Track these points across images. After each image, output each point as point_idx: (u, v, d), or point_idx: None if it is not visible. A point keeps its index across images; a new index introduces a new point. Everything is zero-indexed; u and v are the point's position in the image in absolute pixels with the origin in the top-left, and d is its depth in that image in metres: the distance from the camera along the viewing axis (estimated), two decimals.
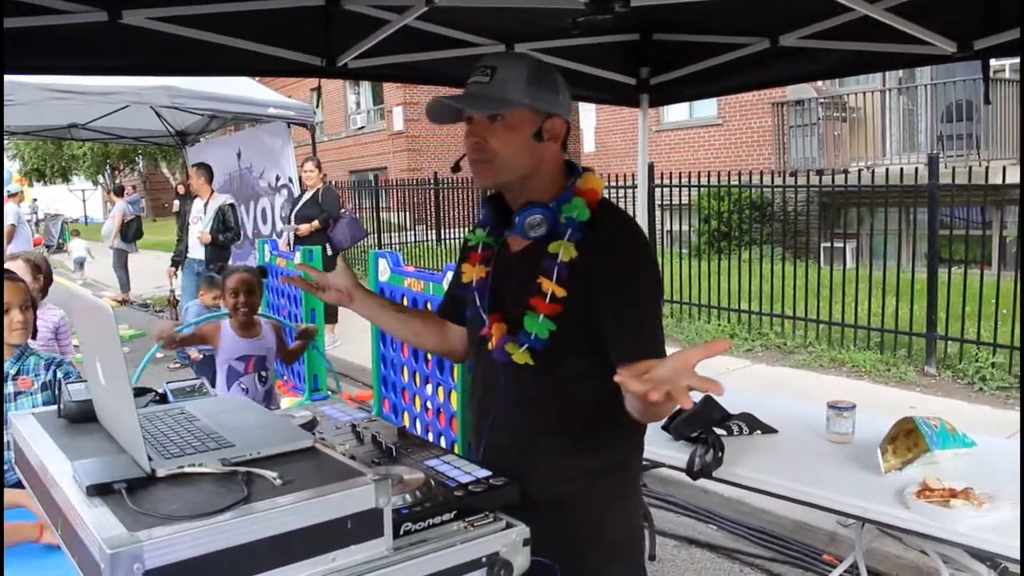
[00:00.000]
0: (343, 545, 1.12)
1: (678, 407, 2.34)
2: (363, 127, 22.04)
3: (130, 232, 11.52)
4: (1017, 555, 1.86)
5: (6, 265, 3.12)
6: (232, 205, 7.25)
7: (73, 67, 2.85)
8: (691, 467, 2.37)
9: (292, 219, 7.47)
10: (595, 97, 3.79)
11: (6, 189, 10.70)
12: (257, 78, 8.35)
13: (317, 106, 14.30)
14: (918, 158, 9.21)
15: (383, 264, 4.16)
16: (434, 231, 13.35)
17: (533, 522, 1.33)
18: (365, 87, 21.74)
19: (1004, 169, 6.78)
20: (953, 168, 6.62)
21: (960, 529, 1.97)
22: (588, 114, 15.24)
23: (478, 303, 1.68)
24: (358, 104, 22.48)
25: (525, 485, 1.42)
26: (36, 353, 2.56)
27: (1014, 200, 8.64)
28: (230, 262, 7.31)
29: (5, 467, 2.09)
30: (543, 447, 1.61)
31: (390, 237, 13.75)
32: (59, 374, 2.48)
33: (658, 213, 8.96)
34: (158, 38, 2.48)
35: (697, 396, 2.69)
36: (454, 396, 3.60)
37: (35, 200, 26.84)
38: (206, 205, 7.15)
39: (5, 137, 9.55)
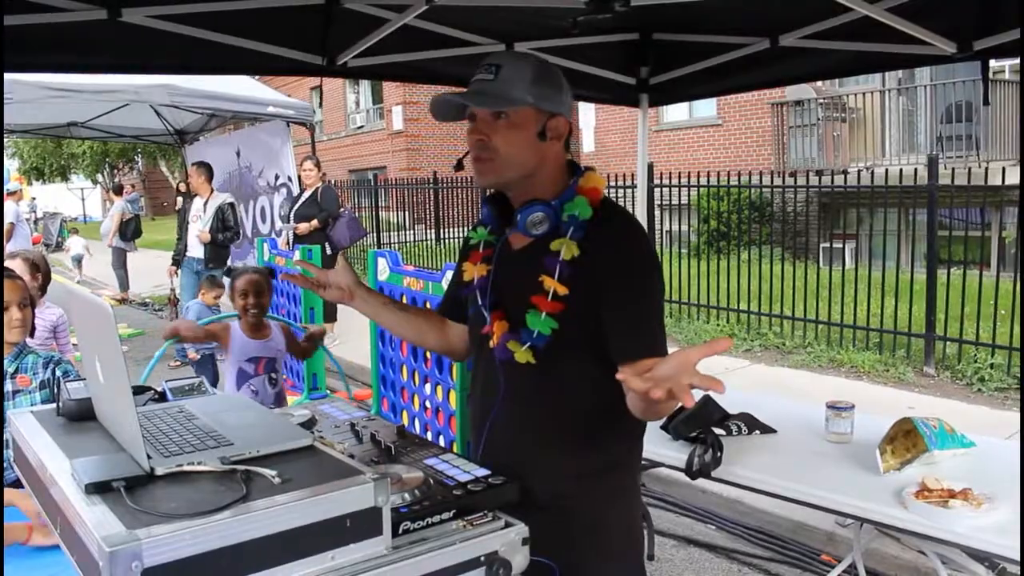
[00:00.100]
0: (342, 544, 1.12)
1: (679, 406, 2.34)
2: (362, 126, 22.04)
3: (129, 231, 11.52)
4: (1015, 555, 1.86)
5: (5, 263, 3.12)
6: (232, 204, 7.25)
7: (72, 65, 2.85)
8: (690, 467, 2.38)
9: (291, 218, 7.47)
10: (595, 97, 3.79)
11: (5, 188, 10.69)
12: (257, 77, 8.36)
13: (319, 105, 14.32)
14: (917, 159, 9.22)
15: (382, 263, 4.15)
16: (433, 231, 13.36)
17: (532, 521, 1.33)
18: (364, 86, 21.74)
19: (1003, 170, 6.78)
20: (952, 169, 6.63)
21: (958, 529, 1.97)
22: (587, 114, 15.25)
23: (480, 301, 1.68)
24: (357, 103, 22.48)
25: (524, 484, 1.42)
26: (34, 351, 2.56)
27: (1013, 201, 8.64)
28: (229, 261, 7.31)
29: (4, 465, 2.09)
30: (543, 445, 1.61)
31: (389, 236, 13.75)
32: (58, 373, 2.48)
33: (657, 213, 8.97)
34: (157, 36, 2.48)
35: (696, 395, 2.70)
36: (453, 395, 3.60)
37: (34, 199, 26.83)
38: (205, 204, 7.14)
39: (4, 135, 9.54)
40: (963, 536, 1.98)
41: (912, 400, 5.28)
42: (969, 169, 8.34)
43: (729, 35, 3.01)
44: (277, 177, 8.47)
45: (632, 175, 7.69)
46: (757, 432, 2.66)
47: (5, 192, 10.39)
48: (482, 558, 1.26)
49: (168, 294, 8.14)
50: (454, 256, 5.18)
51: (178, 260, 7.50)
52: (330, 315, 6.97)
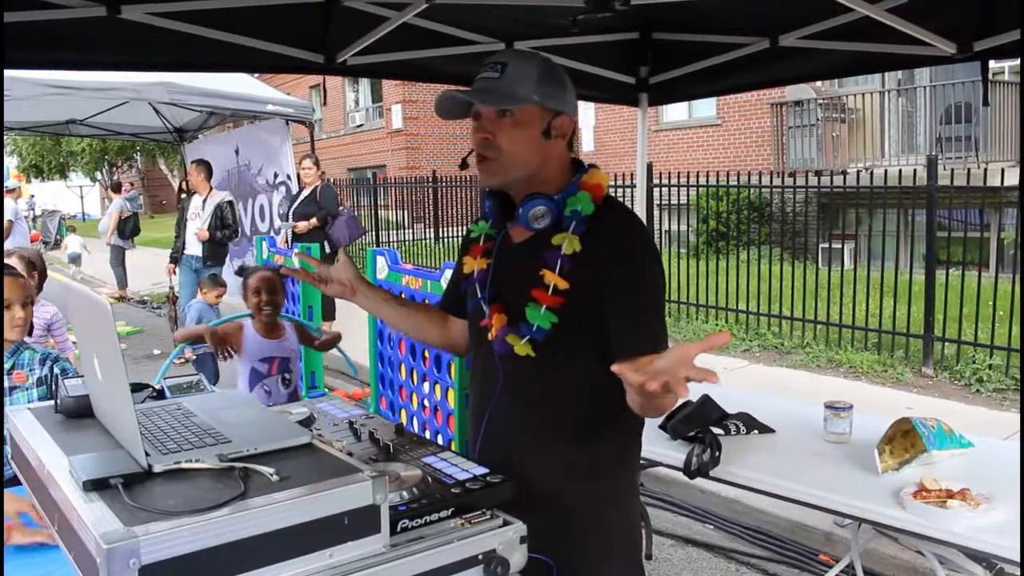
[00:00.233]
0: (340, 541, 1.12)
1: (678, 404, 2.33)
2: (362, 125, 22.03)
3: (127, 229, 11.50)
4: (1012, 555, 1.86)
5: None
6: (230, 202, 7.24)
7: (71, 62, 2.84)
8: (688, 466, 2.37)
9: (290, 216, 7.46)
10: (594, 96, 3.78)
11: (5, 185, 10.67)
12: (256, 75, 8.36)
13: (323, 103, 14.31)
14: (917, 159, 9.22)
15: (381, 262, 4.15)
16: (432, 229, 13.36)
17: (530, 519, 1.33)
18: (364, 85, 21.74)
19: (1003, 171, 6.78)
20: (952, 170, 6.62)
21: (956, 530, 1.97)
22: (587, 113, 15.24)
23: (479, 294, 1.68)
24: (357, 102, 22.47)
25: (522, 478, 1.42)
26: (31, 347, 2.56)
27: (1012, 202, 8.65)
28: (227, 259, 7.30)
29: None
30: (541, 439, 1.61)
31: (388, 235, 13.75)
32: (56, 370, 2.48)
33: (656, 213, 8.97)
34: (157, 33, 2.47)
35: (695, 395, 2.71)
36: (451, 394, 3.60)
37: (32, 196, 26.79)
38: (204, 202, 7.14)
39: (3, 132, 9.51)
40: (961, 536, 1.98)
41: (910, 400, 5.28)
42: (968, 170, 8.35)
43: (729, 35, 3.01)
44: (276, 175, 8.46)
45: (631, 175, 7.69)
46: (755, 432, 2.67)
47: (5, 190, 10.38)
48: (480, 556, 1.26)
49: (167, 292, 8.13)
50: (453, 255, 5.18)
51: (176, 258, 7.50)
52: (329, 313, 6.97)
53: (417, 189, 14.24)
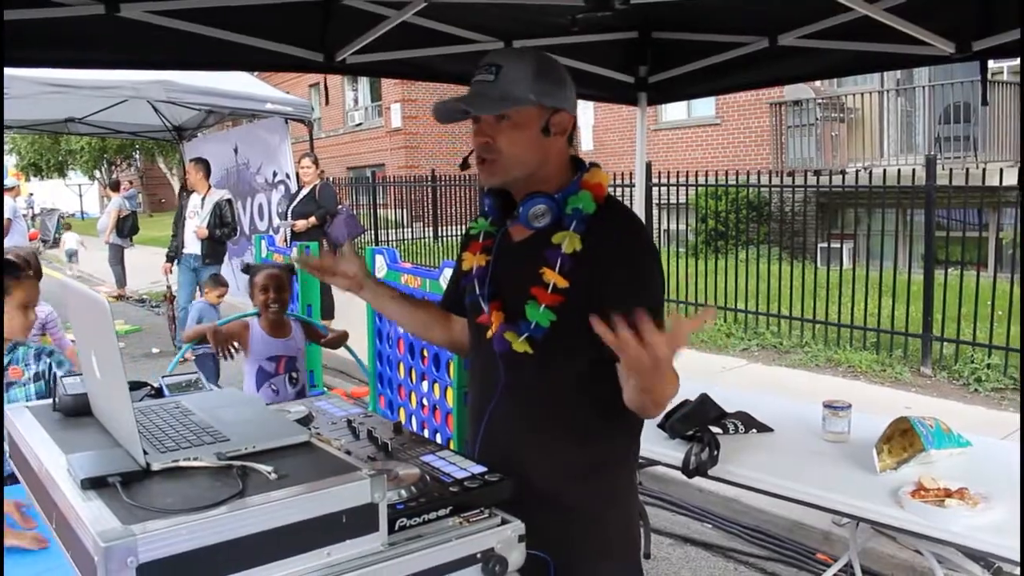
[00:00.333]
0: (338, 540, 1.12)
1: (677, 403, 2.33)
2: (361, 124, 22.02)
3: (126, 227, 11.50)
4: (1011, 555, 1.86)
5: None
6: (229, 200, 7.24)
7: (70, 60, 2.84)
8: (687, 465, 2.37)
9: (289, 215, 7.46)
10: (593, 95, 3.78)
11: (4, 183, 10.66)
12: (255, 73, 8.34)
13: (326, 103, 14.31)
14: (916, 159, 9.22)
15: (380, 261, 4.14)
16: (431, 228, 13.36)
17: (528, 518, 1.33)
18: (363, 84, 21.72)
19: (1001, 171, 6.79)
20: (950, 170, 6.62)
21: (955, 529, 1.98)
22: (586, 112, 15.23)
23: (477, 291, 1.68)
24: (356, 101, 22.45)
25: (521, 476, 1.42)
26: (25, 343, 2.56)
27: (1011, 202, 8.64)
28: (226, 258, 7.29)
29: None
30: (539, 440, 1.61)
31: (387, 234, 13.76)
32: (52, 365, 2.49)
33: (655, 212, 8.97)
34: (155, 32, 2.47)
35: (693, 395, 2.71)
36: (450, 393, 3.60)
37: (31, 195, 26.77)
38: (203, 200, 7.13)
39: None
40: (959, 535, 1.98)
41: (909, 400, 5.29)
42: (967, 170, 8.33)
43: (728, 34, 3.01)
44: (275, 174, 8.45)
45: (630, 174, 7.69)
46: (754, 431, 2.67)
47: (4, 188, 10.37)
48: (478, 555, 1.26)
49: (164, 291, 8.12)
50: (452, 254, 5.18)
51: (172, 257, 7.48)
52: (327, 312, 6.97)
53: (416, 188, 14.24)
